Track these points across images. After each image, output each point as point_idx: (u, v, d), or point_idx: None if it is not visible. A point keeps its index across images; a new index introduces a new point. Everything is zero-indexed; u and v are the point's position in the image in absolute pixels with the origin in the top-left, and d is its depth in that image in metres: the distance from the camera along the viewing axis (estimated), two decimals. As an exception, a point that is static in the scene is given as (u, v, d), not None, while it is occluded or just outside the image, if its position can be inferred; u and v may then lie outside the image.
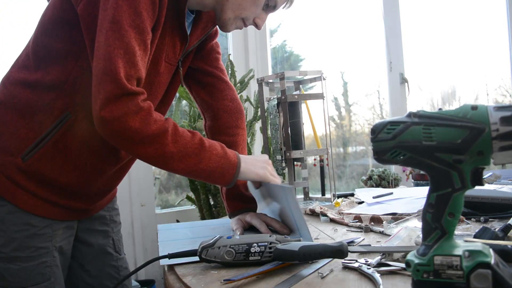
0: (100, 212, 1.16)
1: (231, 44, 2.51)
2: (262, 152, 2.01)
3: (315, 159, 2.04)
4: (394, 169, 2.24)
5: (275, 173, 1.05)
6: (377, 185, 1.85)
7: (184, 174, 0.95)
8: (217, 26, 1.14)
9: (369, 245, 0.89)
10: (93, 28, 0.86)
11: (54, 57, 0.93)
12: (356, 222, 1.11)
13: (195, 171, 0.92)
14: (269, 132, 1.52)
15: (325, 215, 1.21)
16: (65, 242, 1.04)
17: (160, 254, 0.85)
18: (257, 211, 1.14)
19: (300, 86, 1.55)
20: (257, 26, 1.06)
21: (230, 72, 2.06)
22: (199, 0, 1.02)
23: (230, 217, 1.16)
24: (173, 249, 0.85)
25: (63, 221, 1.02)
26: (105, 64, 0.82)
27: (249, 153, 1.99)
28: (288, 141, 1.41)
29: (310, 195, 1.57)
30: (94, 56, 0.84)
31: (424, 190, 1.42)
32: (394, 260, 0.75)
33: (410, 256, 0.60)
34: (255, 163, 1.01)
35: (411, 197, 1.36)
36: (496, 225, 0.96)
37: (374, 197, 1.39)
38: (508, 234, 0.83)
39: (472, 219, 1.07)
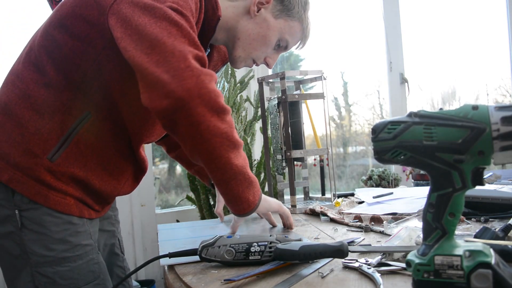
0: (108, 211, 1.14)
1: (231, 44, 2.50)
2: (262, 152, 2.02)
3: (315, 159, 2.04)
4: (394, 169, 2.24)
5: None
6: (377, 185, 1.85)
7: (228, 176, 0.85)
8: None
9: (370, 245, 0.89)
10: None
11: (66, 54, 0.89)
12: (356, 222, 1.11)
13: (241, 174, 0.87)
14: (269, 131, 1.52)
15: (325, 214, 1.21)
16: (96, 239, 1.03)
17: (160, 254, 0.85)
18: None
19: (301, 86, 1.55)
20: (268, 65, 1.08)
21: (230, 72, 2.06)
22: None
23: None
24: (173, 249, 0.85)
25: (92, 219, 1.00)
26: (174, 50, 0.80)
27: (249, 153, 1.99)
28: (288, 140, 1.41)
29: (310, 195, 1.57)
30: (141, 51, 0.80)
31: (424, 190, 1.42)
32: (394, 260, 0.75)
33: (410, 256, 0.60)
34: (269, 197, 1.05)
35: (411, 197, 1.36)
36: (496, 225, 0.96)
37: (374, 197, 1.39)
38: (509, 234, 0.83)
39: (472, 219, 1.07)
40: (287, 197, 1.44)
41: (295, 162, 1.50)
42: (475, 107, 0.56)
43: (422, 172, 1.74)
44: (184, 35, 0.83)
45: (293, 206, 1.37)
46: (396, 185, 1.84)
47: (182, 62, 0.79)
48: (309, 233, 1.04)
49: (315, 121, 1.55)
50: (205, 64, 0.84)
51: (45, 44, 0.91)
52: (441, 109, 0.58)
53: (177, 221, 2.12)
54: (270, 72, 2.48)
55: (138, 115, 0.96)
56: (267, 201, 1.02)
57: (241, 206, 0.90)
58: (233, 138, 0.84)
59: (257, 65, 1.09)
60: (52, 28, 0.91)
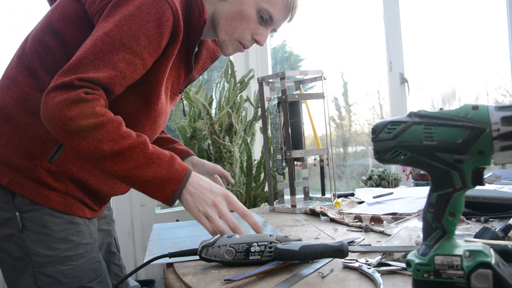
0: (104, 211, 1.16)
1: (231, 44, 2.50)
2: (262, 152, 2.01)
3: (315, 159, 2.04)
4: (394, 169, 2.25)
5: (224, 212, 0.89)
6: (377, 185, 1.85)
7: (118, 178, 0.85)
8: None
9: (370, 245, 0.89)
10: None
11: (59, 60, 0.91)
12: (357, 222, 1.11)
13: (129, 177, 0.84)
14: (269, 131, 1.52)
15: (325, 214, 1.21)
16: (96, 238, 1.05)
17: (147, 254, 0.86)
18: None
19: (301, 86, 1.55)
20: (258, 43, 1.05)
21: (230, 72, 2.06)
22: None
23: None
24: (161, 249, 0.85)
25: (91, 219, 1.02)
26: (76, 63, 0.81)
27: (249, 153, 1.99)
28: (288, 140, 1.41)
29: (310, 195, 1.57)
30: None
31: (424, 190, 1.42)
32: (394, 260, 0.75)
33: (410, 256, 0.60)
34: (205, 193, 0.88)
35: (411, 197, 1.36)
36: (496, 225, 0.95)
37: (374, 197, 1.39)
38: (509, 234, 0.83)
39: (472, 219, 1.07)
40: (287, 197, 1.44)
41: (295, 162, 1.50)
42: (475, 107, 0.56)
43: (422, 172, 1.74)
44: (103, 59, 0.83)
45: (293, 206, 1.37)
46: (396, 185, 1.84)
47: (51, 87, 0.81)
48: (309, 233, 1.04)
49: (315, 121, 1.56)
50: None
51: (38, 49, 0.92)
52: (441, 109, 0.58)
53: (177, 220, 2.12)
54: (270, 71, 2.48)
55: (128, 119, 0.95)
56: (191, 197, 0.87)
57: (159, 199, 0.87)
58: (100, 150, 0.81)
59: (246, 47, 1.06)
60: (43, 34, 0.92)
